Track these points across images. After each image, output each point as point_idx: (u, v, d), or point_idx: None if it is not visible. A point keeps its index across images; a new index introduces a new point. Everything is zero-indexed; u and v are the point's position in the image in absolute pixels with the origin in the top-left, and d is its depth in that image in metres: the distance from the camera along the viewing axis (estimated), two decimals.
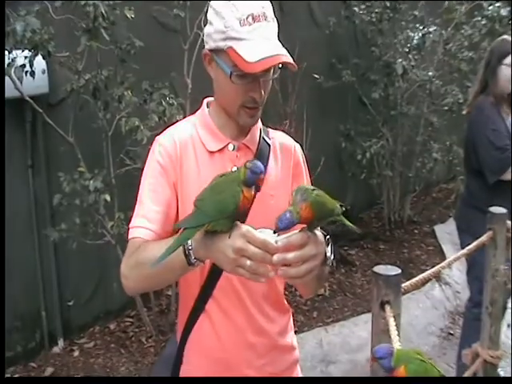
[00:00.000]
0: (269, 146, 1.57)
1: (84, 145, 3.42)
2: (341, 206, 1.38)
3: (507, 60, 3.09)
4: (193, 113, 1.64)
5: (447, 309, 4.58)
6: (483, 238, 2.47)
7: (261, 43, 1.38)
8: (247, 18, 1.38)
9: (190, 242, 1.29)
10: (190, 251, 1.29)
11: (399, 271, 1.74)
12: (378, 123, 5.48)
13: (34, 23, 2.90)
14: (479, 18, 5.21)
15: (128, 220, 3.60)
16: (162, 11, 3.87)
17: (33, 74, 3.01)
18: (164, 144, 1.52)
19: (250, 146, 1.54)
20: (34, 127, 3.42)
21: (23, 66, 2.96)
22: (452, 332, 4.25)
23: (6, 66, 2.93)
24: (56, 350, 3.68)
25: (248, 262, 1.20)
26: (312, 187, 1.33)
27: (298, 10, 4.97)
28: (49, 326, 3.66)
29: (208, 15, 1.47)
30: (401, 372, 1.22)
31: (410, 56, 5.23)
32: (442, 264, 2.42)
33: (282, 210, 1.27)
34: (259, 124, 1.59)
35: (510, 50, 3.10)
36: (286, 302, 1.67)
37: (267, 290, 1.56)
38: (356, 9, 5.15)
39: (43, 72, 3.23)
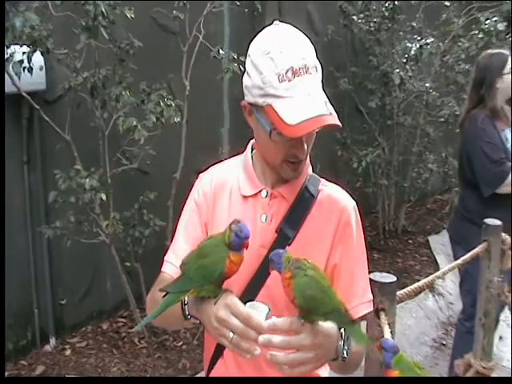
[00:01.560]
0: (313, 197, 1.45)
1: (80, 143, 3.41)
2: (346, 311, 1.22)
3: (506, 69, 3.11)
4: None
5: (440, 319, 4.58)
6: (477, 250, 2.47)
7: (301, 101, 1.26)
8: (286, 73, 1.26)
9: (186, 298, 1.28)
10: (186, 307, 1.29)
11: (395, 279, 1.74)
12: (375, 132, 5.52)
13: (34, 19, 2.90)
14: (476, 32, 5.25)
15: (123, 220, 3.62)
16: (161, 12, 3.91)
17: (31, 70, 3.01)
18: (203, 181, 1.52)
19: (285, 196, 1.44)
20: (31, 124, 3.41)
21: (21, 61, 2.96)
22: (444, 342, 4.25)
23: (5, 61, 2.94)
24: (47, 348, 3.65)
25: (230, 335, 1.16)
26: (315, 269, 1.20)
27: (296, 17, 5.00)
28: (41, 323, 3.63)
29: (246, 66, 1.37)
30: (394, 374, 1.21)
31: (408, 66, 5.27)
32: (437, 273, 2.42)
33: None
34: (307, 172, 1.49)
35: (506, 59, 3.12)
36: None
37: None
38: (355, 17, 5.19)
39: (41, 68, 3.23)
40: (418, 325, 4.39)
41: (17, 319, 3.53)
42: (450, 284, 4.84)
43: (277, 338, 1.15)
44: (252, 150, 1.52)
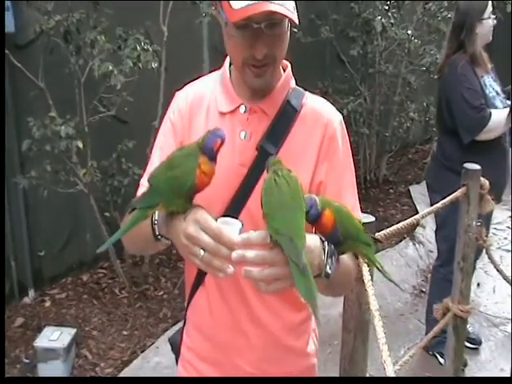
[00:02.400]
0: (296, 111, 1.36)
1: (55, 90, 3.31)
2: (374, 239, 1.24)
3: (486, 14, 3.06)
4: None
5: (420, 267, 4.64)
6: (456, 194, 2.48)
7: None
8: None
9: (156, 216, 1.20)
10: (155, 226, 1.21)
11: (373, 219, 1.74)
12: (356, 81, 5.46)
13: None
14: None
15: (101, 169, 3.54)
16: None
17: None
18: (178, 100, 1.44)
19: (266, 110, 1.35)
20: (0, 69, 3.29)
21: None
22: (424, 290, 4.30)
23: None
24: (26, 300, 3.62)
25: (201, 252, 1.08)
26: (341, 204, 1.20)
27: None
28: (19, 276, 3.59)
29: None
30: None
31: (390, 14, 5.18)
32: (417, 216, 2.43)
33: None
34: (289, 85, 1.39)
35: (486, 3, 3.07)
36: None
37: None
38: None
39: (7, 9, 3.10)
40: (399, 272, 4.43)
41: None
42: (430, 233, 4.87)
43: (251, 253, 1.07)
44: (230, 64, 1.42)
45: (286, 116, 1.35)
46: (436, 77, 3.37)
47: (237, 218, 1.19)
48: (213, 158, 1.12)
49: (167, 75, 3.58)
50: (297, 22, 1.21)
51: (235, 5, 1.18)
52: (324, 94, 5.33)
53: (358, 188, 1.45)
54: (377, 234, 1.94)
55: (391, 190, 5.79)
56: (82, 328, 3.44)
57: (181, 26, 3.77)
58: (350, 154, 1.41)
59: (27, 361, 3.20)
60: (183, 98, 1.42)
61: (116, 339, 3.41)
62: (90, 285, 3.84)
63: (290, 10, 1.20)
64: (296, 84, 1.40)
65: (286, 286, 1.10)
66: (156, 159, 1.38)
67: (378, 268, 1.24)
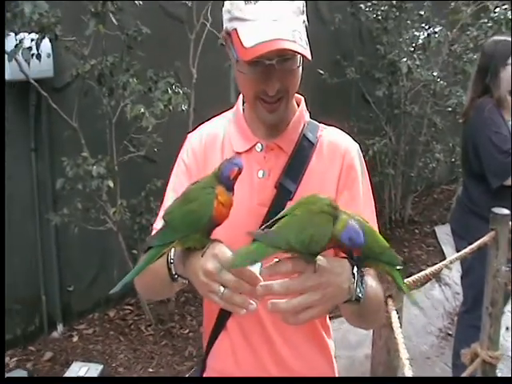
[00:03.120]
0: (312, 145, 1.33)
1: (87, 130, 3.42)
2: (403, 262, 1.15)
3: (510, 59, 3.04)
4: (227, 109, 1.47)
5: (446, 309, 4.58)
6: (485, 238, 2.47)
7: (264, 25, 1.15)
8: None
9: (172, 254, 1.16)
10: (172, 265, 1.16)
11: (402, 265, 1.73)
12: (381, 121, 5.50)
13: (42, 6, 2.91)
14: (485, 20, 5.20)
15: (130, 207, 3.62)
16: (169, 0, 3.89)
17: (39, 56, 3.02)
18: (192, 141, 1.40)
19: (282, 147, 1.32)
20: (38, 111, 3.43)
21: (29, 48, 2.96)
22: (450, 332, 4.24)
23: (13, 47, 2.93)
24: (55, 334, 3.68)
25: (221, 289, 1.02)
26: (359, 216, 1.10)
27: None
28: (48, 310, 3.66)
29: None
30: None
31: (415, 55, 5.24)
32: (444, 262, 2.43)
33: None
34: (304, 119, 1.37)
35: (510, 49, 3.05)
36: (326, 337, 1.40)
37: None
38: (362, 6, 5.17)
39: (48, 56, 3.24)
40: (425, 314, 4.38)
41: (25, 305, 3.55)
42: (456, 274, 4.83)
43: (277, 283, 1.01)
44: (243, 102, 1.39)
45: (303, 151, 1.32)
46: (461, 120, 3.36)
47: None
48: (230, 187, 1.08)
49: (195, 115, 3.67)
50: (310, 57, 1.17)
51: (247, 43, 1.15)
52: (349, 134, 5.39)
53: (383, 228, 1.44)
54: (405, 280, 1.95)
55: (416, 231, 5.76)
56: (108, 364, 3.47)
57: (209, 67, 3.88)
58: (369, 182, 1.37)
59: None
60: (197, 138, 1.39)
61: (142, 376, 3.43)
62: (117, 321, 3.88)
63: (302, 46, 1.16)
64: (311, 118, 1.40)
65: (318, 313, 1.04)
66: (168, 202, 1.30)
67: (401, 289, 1.16)
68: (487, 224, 2.52)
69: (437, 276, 4.80)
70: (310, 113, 1.39)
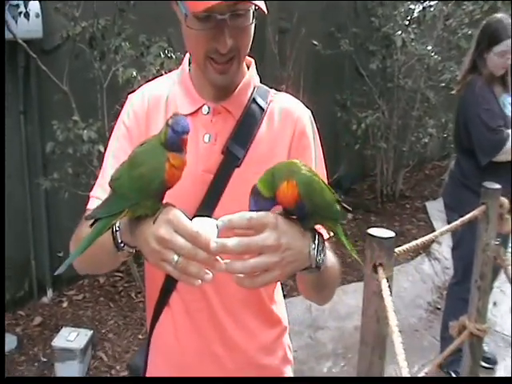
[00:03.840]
0: (262, 110, 1.27)
1: (78, 94, 3.38)
2: (344, 208, 1.08)
3: (497, 48, 2.99)
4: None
5: (435, 283, 4.60)
6: (475, 212, 2.47)
7: None
8: None
9: (118, 223, 1.06)
10: (117, 233, 1.07)
11: (393, 234, 1.73)
12: (375, 95, 5.47)
13: None
14: None
15: None
16: None
17: (27, 15, 2.97)
18: (133, 102, 1.31)
19: (231, 110, 1.25)
20: (27, 72, 3.38)
21: (17, 6, 2.91)
22: (439, 306, 4.27)
23: None
24: (45, 299, 3.68)
25: (175, 257, 0.94)
26: (307, 167, 1.04)
27: None
28: (38, 275, 3.65)
29: None
30: (284, 188, 0.99)
31: (410, 29, 5.20)
32: (435, 233, 2.43)
33: None
34: (254, 83, 1.31)
35: (502, 37, 2.99)
36: (276, 312, 1.36)
37: (244, 292, 1.20)
38: None
39: (37, 16, 3.18)
40: (414, 288, 4.41)
41: (15, 270, 3.54)
42: (446, 249, 4.85)
43: (233, 241, 0.94)
44: (190, 62, 1.31)
45: (253, 115, 1.26)
46: (454, 92, 3.35)
47: None
48: (180, 149, 0.99)
49: None
50: (265, 9, 1.11)
51: None
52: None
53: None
54: (396, 249, 1.94)
55: (407, 205, 5.77)
56: (98, 330, 3.48)
57: None
58: (321, 149, 1.32)
59: (45, 360, 3.24)
60: (139, 100, 1.30)
61: (131, 343, 3.44)
62: (107, 287, 3.88)
63: None
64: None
65: (276, 277, 0.99)
66: (109, 168, 1.24)
67: (343, 243, 1.09)
68: (479, 198, 2.53)
69: (426, 250, 4.83)
70: (303, 83, 1.34)
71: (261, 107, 1.28)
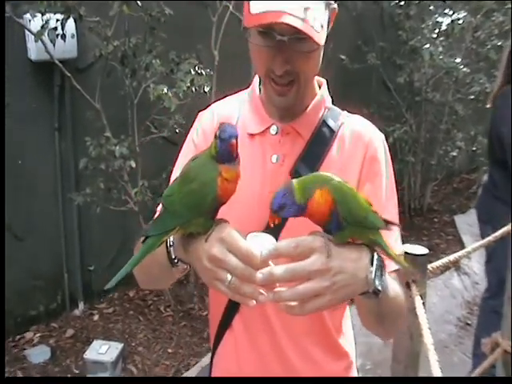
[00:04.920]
0: (333, 132, 1.23)
1: (110, 111, 3.44)
2: (385, 221, 1.00)
3: None
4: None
5: (465, 298, 4.55)
6: (508, 227, 2.44)
7: None
8: None
9: (171, 238, 1.04)
10: (171, 249, 1.06)
11: (427, 251, 1.68)
12: (402, 108, 5.46)
13: None
14: (511, 5, 5.12)
15: (151, 188, 3.65)
16: None
17: (64, 37, 3.04)
18: (202, 120, 1.31)
19: (300, 131, 1.22)
20: (62, 91, 3.47)
21: (55, 28, 2.98)
22: (469, 322, 4.22)
23: (39, 27, 2.95)
24: (76, 312, 3.74)
25: (228, 277, 0.92)
26: (342, 180, 0.98)
27: None
28: (70, 288, 3.72)
29: None
30: (317, 197, 0.94)
31: (438, 42, 5.18)
32: (467, 249, 2.40)
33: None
34: (325, 104, 1.27)
35: None
36: (342, 344, 1.30)
37: (308, 320, 1.19)
38: None
39: (72, 36, 3.27)
40: (443, 303, 4.37)
41: (47, 283, 3.61)
42: (475, 264, 4.80)
43: (279, 269, 0.90)
44: (260, 81, 1.27)
45: (323, 137, 1.22)
46: (488, 106, 3.32)
47: None
48: (233, 160, 0.95)
49: (217, 98, 3.66)
50: (320, 42, 1.08)
51: (253, 9, 1.07)
52: (369, 121, 5.35)
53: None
54: (429, 265, 1.92)
55: (435, 219, 5.72)
56: (128, 343, 3.52)
57: (231, 50, 3.87)
58: (393, 176, 1.26)
59: (77, 371, 3.30)
60: (208, 118, 1.30)
61: (161, 356, 3.47)
62: (136, 301, 3.92)
63: (312, 27, 1.06)
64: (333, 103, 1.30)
65: (327, 303, 0.93)
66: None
67: (389, 254, 1.02)
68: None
69: (456, 265, 4.77)
70: (339, 103, 1.31)
71: (331, 129, 1.23)
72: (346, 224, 0.95)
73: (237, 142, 0.94)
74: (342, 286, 0.94)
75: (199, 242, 0.96)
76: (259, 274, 0.90)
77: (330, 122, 1.24)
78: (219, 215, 1.00)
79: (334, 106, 1.29)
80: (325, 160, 1.20)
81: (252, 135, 1.24)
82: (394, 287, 1.10)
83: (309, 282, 0.91)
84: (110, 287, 1.00)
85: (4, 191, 3.25)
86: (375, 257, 0.99)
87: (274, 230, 1.08)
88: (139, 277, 1.25)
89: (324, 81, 1.30)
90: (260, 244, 0.93)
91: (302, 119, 1.23)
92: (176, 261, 1.06)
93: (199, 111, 1.35)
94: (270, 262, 0.93)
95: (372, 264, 0.98)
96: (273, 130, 1.23)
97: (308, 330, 1.23)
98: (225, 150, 0.93)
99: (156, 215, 1.16)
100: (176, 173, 1.27)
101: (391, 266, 1.14)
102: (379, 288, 0.98)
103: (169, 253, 1.06)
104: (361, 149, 1.22)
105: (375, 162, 1.22)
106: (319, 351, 1.26)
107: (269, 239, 0.95)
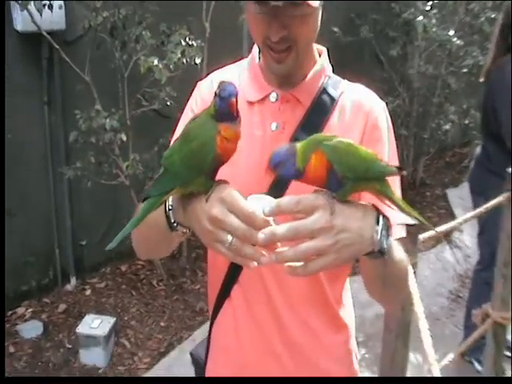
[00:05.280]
0: (333, 100, 1.22)
1: (100, 84, 3.39)
2: (398, 168, 0.98)
3: None
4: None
5: (457, 271, 4.58)
6: (500, 199, 2.44)
7: None
8: None
9: (170, 201, 1.03)
10: (170, 213, 1.03)
11: (416, 221, 1.69)
12: (395, 82, 5.41)
13: None
14: None
15: (142, 162, 3.61)
16: None
17: (51, 7, 2.99)
18: (201, 89, 1.29)
19: (300, 98, 1.21)
20: (51, 64, 3.41)
21: None
22: (461, 295, 4.25)
23: None
24: (68, 287, 3.73)
25: (228, 238, 0.90)
26: (341, 139, 0.96)
27: None
28: (62, 263, 3.71)
29: None
30: (314, 161, 0.92)
31: (431, 14, 5.13)
32: (458, 220, 2.41)
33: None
34: (325, 72, 1.25)
35: None
36: (342, 316, 1.29)
37: (308, 289, 1.20)
38: None
39: (60, 7, 3.20)
40: (435, 276, 4.39)
41: (39, 258, 3.60)
42: (467, 237, 4.83)
43: (282, 228, 0.89)
44: (260, 49, 1.25)
45: (323, 105, 1.21)
46: (482, 80, 3.30)
47: None
48: (233, 119, 0.95)
49: (208, 70, 3.62)
50: (314, 4, 1.08)
51: None
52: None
53: None
54: (420, 236, 1.93)
55: (428, 193, 5.73)
56: (120, 317, 3.53)
57: (222, 22, 3.82)
58: (395, 144, 1.26)
59: (69, 346, 3.30)
60: (207, 86, 1.28)
61: (154, 330, 3.48)
62: (129, 275, 3.92)
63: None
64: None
65: (331, 262, 0.91)
66: None
67: (399, 205, 0.98)
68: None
69: (448, 238, 4.80)
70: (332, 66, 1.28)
71: (332, 97, 1.22)
72: (347, 181, 0.92)
73: (237, 101, 0.93)
74: (346, 245, 0.91)
75: (199, 203, 0.95)
76: (261, 234, 0.89)
77: (331, 90, 1.23)
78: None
79: (334, 75, 1.27)
80: (325, 128, 1.19)
81: (251, 103, 1.22)
82: (399, 252, 1.09)
83: (312, 240, 0.89)
84: (110, 248, 0.99)
85: (4, 178, 3.23)
86: (381, 216, 0.96)
87: (276, 194, 1.07)
88: (139, 246, 1.23)
89: (324, 49, 1.28)
90: (261, 205, 0.91)
91: (302, 87, 1.21)
92: (175, 224, 1.03)
93: (197, 81, 1.33)
94: (271, 222, 0.91)
95: (378, 223, 0.95)
96: (272, 97, 1.22)
97: (308, 301, 1.22)
98: (224, 108, 0.92)
99: (156, 176, 1.12)
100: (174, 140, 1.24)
101: (398, 218, 1.13)
102: (385, 247, 0.95)
103: (168, 217, 1.03)
104: (362, 117, 1.21)
105: (376, 130, 1.21)
106: (319, 322, 1.25)
107: (270, 201, 0.92)
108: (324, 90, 1.22)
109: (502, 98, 3.00)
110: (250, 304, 1.23)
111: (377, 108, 1.24)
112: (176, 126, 1.30)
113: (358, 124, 1.21)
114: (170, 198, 1.02)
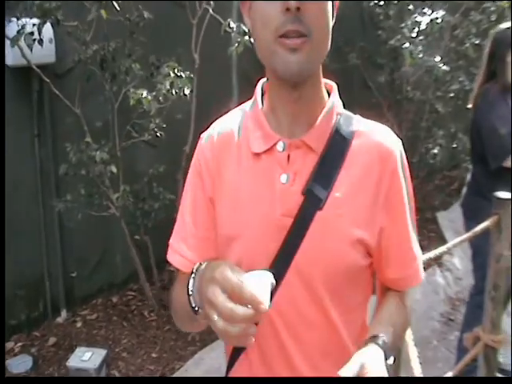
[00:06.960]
0: (347, 142, 1.11)
1: (90, 116, 3.42)
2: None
3: None
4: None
5: (448, 294, 4.58)
6: (488, 223, 2.47)
7: None
8: None
9: (191, 285, 0.99)
10: (191, 297, 0.99)
11: None
12: (383, 107, 5.48)
13: None
14: (488, 5, 5.17)
15: (133, 193, 3.62)
16: None
17: (41, 42, 3.00)
18: (202, 146, 1.20)
19: (311, 145, 1.10)
20: (41, 97, 3.42)
21: (32, 33, 2.94)
22: (452, 318, 4.25)
23: (15, 32, 2.91)
24: (59, 320, 3.70)
25: (215, 318, 0.85)
26: None
27: None
28: (52, 296, 3.68)
29: None
30: None
31: (417, 41, 5.20)
32: (448, 245, 2.43)
33: (351, 235, 0.99)
34: (337, 110, 1.15)
35: None
36: None
37: (326, 342, 1.14)
38: None
39: (50, 41, 3.22)
40: (426, 299, 4.39)
41: (29, 291, 3.56)
42: (457, 260, 4.84)
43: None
44: (262, 93, 1.17)
45: (336, 149, 1.10)
46: (469, 106, 3.37)
47: (283, 276, 1.00)
48: None
49: (197, 101, 3.66)
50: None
51: None
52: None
53: None
54: None
55: (418, 217, 5.73)
56: (112, 349, 3.49)
57: (211, 54, 3.86)
58: (411, 187, 1.18)
59: None
60: (208, 141, 1.19)
61: (145, 361, 3.45)
62: (120, 307, 3.90)
63: None
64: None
65: None
66: (188, 218, 1.18)
67: None
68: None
69: (438, 261, 4.81)
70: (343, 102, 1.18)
71: (345, 138, 1.11)
72: None
73: None
74: None
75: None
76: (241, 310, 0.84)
77: (343, 130, 1.12)
78: (229, 242, 1.04)
79: (345, 111, 1.18)
80: (339, 174, 1.10)
81: (257, 154, 1.12)
82: (395, 326, 1.12)
83: None
84: None
85: (4, 196, 3.22)
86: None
87: (289, 253, 1.06)
88: (177, 321, 1.21)
89: (334, 84, 1.20)
90: (262, 282, 0.89)
91: (314, 131, 1.11)
92: (197, 308, 0.99)
93: (201, 132, 1.26)
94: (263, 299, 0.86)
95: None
96: (279, 146, 1.10)
97: (326, 353, 1.15)
98: None
99: (171, 249, 1.19)
100: (186, 206, 1.20)
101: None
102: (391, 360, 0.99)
103: (190, 302, 1.00)
104: (377, 160, 1.11)
105: (396, 177, 1.13)
106: (337, 370, 1.20)
107: (269, 277, 0.90)
108: (336, 131, 1.12)
109: (485, 121, 3.08)
110: (266, 356, 1.16)
111: (396, 150, 1.14)
112: (188, 162, 1.27)
113: (373, 167, 1.11)
114: (191, 283, 0.98)
